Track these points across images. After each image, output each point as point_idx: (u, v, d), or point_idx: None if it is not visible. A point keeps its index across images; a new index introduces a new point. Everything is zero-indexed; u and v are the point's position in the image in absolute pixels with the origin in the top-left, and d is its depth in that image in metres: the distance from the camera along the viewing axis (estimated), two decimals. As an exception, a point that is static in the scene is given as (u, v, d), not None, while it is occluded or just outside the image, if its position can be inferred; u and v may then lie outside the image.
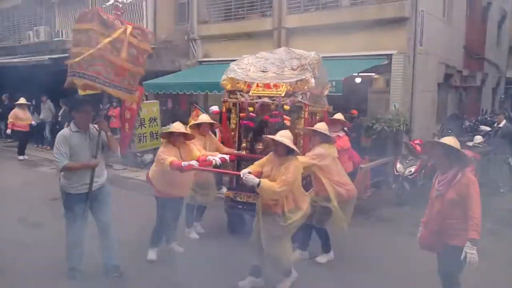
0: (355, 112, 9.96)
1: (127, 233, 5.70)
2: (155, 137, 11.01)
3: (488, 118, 13.28)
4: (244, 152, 5.77)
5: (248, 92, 5.56)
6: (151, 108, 10.89)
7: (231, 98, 5.79)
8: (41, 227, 5.76)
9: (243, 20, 12.09)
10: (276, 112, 5.37)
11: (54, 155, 4.25)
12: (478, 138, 9.53)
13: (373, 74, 11.59)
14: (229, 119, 6.05)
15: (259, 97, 5.48)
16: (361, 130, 9.79)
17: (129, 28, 4.14)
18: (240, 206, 5.79)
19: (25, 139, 12.24)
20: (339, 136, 6.30)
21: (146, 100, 11.03)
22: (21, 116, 11.91)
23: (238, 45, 11.63)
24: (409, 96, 10.21)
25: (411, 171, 7.90)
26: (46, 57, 14.25)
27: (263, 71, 5.82)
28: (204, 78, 11.03)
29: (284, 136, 4.14)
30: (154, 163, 5.09)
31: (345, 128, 6.73)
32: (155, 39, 12.42)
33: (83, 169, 4.30)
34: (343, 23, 10.15)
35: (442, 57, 12.06)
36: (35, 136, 14.48)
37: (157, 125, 11.04)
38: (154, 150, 11.00)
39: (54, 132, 13.85)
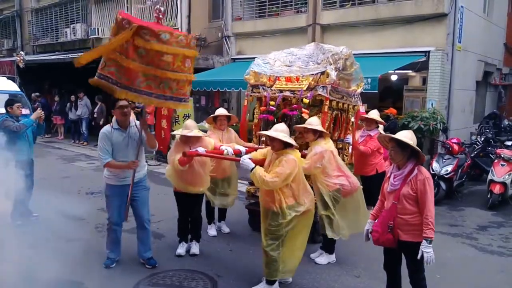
0: (393, 111, 9.79)
1: (161, 227, 5.87)
2: (188, 133, 11.19)
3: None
4: (263, 146, 5.51)
5: (271, 86, 5.53)
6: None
7: (254, 92, 5.74)
8: (77, 219, 5.93)
9: (277, 17, 12.08)
10: (296, 105, 5.30)
11: (98, 152, 4.37)
12: (516, 137, 9.24)
13: (410, 71, 11.38)
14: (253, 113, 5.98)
15: (281, 91, 5.43)
16: (397, 128, 9.62)
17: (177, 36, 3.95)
18: None
19: None
20: (370, 135, 6.19)
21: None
22: None
23: (271, 42, 11.63)
24: (447, 94, 9.96)
25: (447, 170, 7.72)
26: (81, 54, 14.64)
27: (288, 66, 5.72)
28: (237, 75, 11.04)
29: (279, 130, 4.00)
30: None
31: (380, 126, 6.54)
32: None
33: (123, 169, 4.45)
34: (379, 19, 10.02)
35: (481, 55, 11.71)
36: (72, 131, 14.97)
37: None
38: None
39: (90, 128, 14.28)
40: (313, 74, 5.28)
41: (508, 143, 8.99)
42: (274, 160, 4.00)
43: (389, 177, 3.57)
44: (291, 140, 3.99)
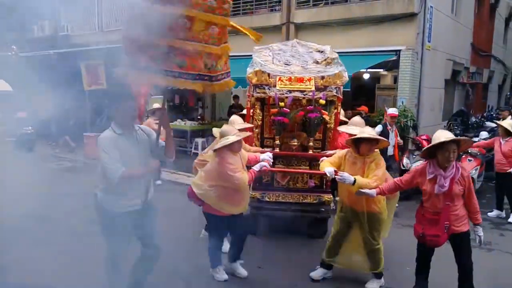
0: (365, 109, 9.95)
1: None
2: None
3: (494, 115, 13.27)
4: (277, 150, 5.36)
5: (274, 86, 5.23)
6: (156, 104, 10.90)
7: (258, 92, 5.30)
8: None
9: (252, 15, 12.05)
10: (311, 106, 5.17)
11: (105, 164, 3.24)
12: (484, 134, 9.54)
13: (381, 70, 11.59)
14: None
15: (289, 91, 5.19)
16: (368, 126, 9.77)
17: None
18: (268, 206, 5.48)
19: None
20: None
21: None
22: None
23: (245, 40, 11.56)
24: (417, 92, 10.19)
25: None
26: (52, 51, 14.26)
27: (287, 64, 5.58)
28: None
29: (366, 132, 4.02)
30: (200, 176, 4.23)
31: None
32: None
33: (139, 177, 3.40)
34: (351, 18, 10.15)
35: (449, 54, 12.03)
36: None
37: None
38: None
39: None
40: (322, 75, 5.27)
41: (475, 139, 9.25)
42: (367, 163, 4.02)
43: (433, 178, 3.58)
44: (383, 138, 4.17)
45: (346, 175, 3.89)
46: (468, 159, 7.75)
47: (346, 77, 5.33)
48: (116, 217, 3.34)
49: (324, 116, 5.25)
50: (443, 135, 3.59)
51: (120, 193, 3.32)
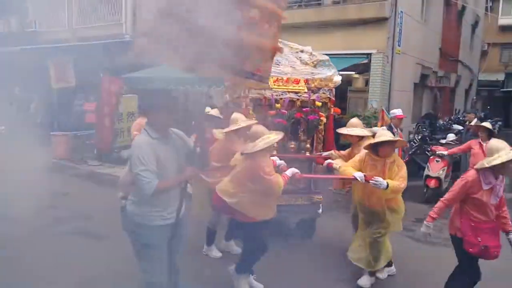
0: (337, 110, 10.06)
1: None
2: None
3: (461, 118, 13.70)
4: (275, 152, 5.00)
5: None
6: (130, 103, 10.71)
7: (254, 93, 5.06)
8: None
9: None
10: (307, 108, 5.17)
11: (140, 175, 2.82)
12: (451, 136, 9.84)
13: (353, 73, 11.77)
14: None
15: (284, 92, 5.13)
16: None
17: None
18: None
19: None
20: None
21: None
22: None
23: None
24: (387, 95, 10.41)
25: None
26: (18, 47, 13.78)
27: (277, 64, 5.40)
28: (185, 72, 10.86)
29: (383, 134, 4.15)
30: (228, 183, 3.88)
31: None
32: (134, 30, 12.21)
33: (173, 186, 3.04)
34: (325, 21, 10.26)
35: (418, 58, 12.34)
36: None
37: (135, 120, 10.85)
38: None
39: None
40: (316, 77, 5.27)
41: (443, 141, 9.52)
42: (389, 164, 4.08)
43: (491, 189, 3.50)
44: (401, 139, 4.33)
45: (381, 180, 3.91)
46: (436, 160, 7.96)
47: (338, 79, 5.38)
48: (153, 231, 2.94)
49: (322, 118, 5.26)
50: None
51: (156, 204, 2.95)
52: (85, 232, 5.54)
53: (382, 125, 7.53)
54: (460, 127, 11.66)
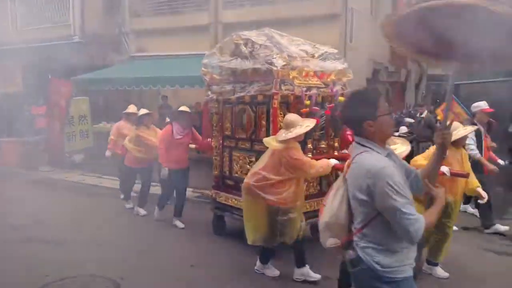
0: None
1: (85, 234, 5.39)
2: (85, 135, 10.46)
3: (412, 111, 14.22)
4: (310, 155, 4.63)
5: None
6: (81, 105, 10.34)
7: (284, 89, 4.54)
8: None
9: (178, 14, 11.84)
10: (332, 104, 4.78)
11: (399, 208, 1.95)
12: (403, 129, 10.21)
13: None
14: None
15: (308, 88, 4.68)
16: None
17: None
18: None
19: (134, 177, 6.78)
20: None
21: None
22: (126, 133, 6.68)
23: (174, 40, 11.37)
24: (342, 91, 10.60)
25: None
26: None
27: (290, 57, 4.86)
28: (139, 73, 10.65)
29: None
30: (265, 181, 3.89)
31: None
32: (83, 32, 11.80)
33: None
34: (279, 18, 10.29)
35: (370, 54, 12.68)
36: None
37: (87, 123, 10.50)
38: (85, 150, 10.45)
39: None
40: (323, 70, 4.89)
41: (396, 133, 9.85)
42: (463, 154, 4.32)
43: None
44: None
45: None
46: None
47: (350, 74, 5.11)
48: (405, 286, 2.13)
49: None
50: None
51: (407, 248, 2.13)
52: (39, 238, 5.29)
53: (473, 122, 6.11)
54: (412, 120, 12.11)
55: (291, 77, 4.56)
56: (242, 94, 4.77)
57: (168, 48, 11.25)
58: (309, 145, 4.74)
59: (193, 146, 5.96)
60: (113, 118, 12.18)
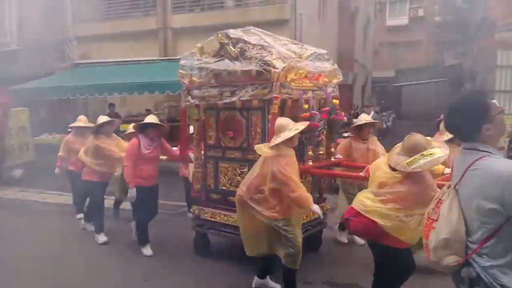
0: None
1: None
2: (25, 149, 9.81)
3: (359, 113, 14.69)
4: (310, 163, 4.35)
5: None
6: (20, 117, 9.68)
7: (282, 92, 4.13)
8: None
9: (125, 19, 11.45)
10: (327, 108, 4.44)
11: None
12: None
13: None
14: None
15: (304, 91, 4.36)
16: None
17: None
18: None
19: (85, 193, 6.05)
20: None
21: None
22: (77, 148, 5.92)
23: (121, 46, 10.98)
24: (294, 95, 10.71)
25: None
26: None
27: (285, 57, 4.48)
28: (83, 81, 10.14)
29: None
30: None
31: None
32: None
33: None
34: (229, 23, 10.23)
35: (319, 58, 12.92)
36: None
37: (27, 135, 9.86)
38: (25, 165, 9.79)
39: None
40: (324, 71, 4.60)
41: (345, 134, 10.07)
42: None
43: None
44: None
45: None
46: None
47: (340, 75, 4.81)
48: None
49: (343, 118, 4.69)
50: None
51: None
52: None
53: None
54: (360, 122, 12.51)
55: (288, 79, 4.18)
56: (233, 98, 4.26)
57: (114, 54, 10.85)
58: (310, 152, 4.39)
59: (164, 157, 5.30)
60: (56, 129, 11.55)
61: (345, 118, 4.92)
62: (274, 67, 3.98)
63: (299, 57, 4.47)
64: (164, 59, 10.83)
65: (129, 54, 10.75)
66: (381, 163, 3.15)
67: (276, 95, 3.99)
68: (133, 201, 4.82)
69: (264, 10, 10.04)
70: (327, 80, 4.67)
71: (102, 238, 5.37)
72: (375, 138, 5.08)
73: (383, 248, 3.09)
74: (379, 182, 3.05)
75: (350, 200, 4.87)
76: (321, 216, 3.85)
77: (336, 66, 4.77)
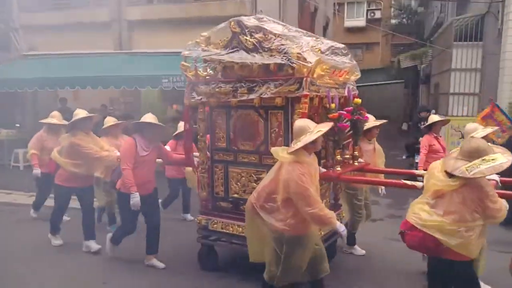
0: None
1: None
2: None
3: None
4: (338, 168, 3.95)
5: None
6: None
7: (311, 90, 3.72)
8: None
9: (75, 9, 10.92)
10: (350, 108, 3.97)
11: None
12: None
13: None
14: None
15: (329, 88, 3.98)
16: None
17: None
18: None
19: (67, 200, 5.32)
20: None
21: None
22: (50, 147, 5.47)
23: (71, 37, 10.44)
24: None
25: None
26: None
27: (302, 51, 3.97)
28: (32, 73, 9.60)
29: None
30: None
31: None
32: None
33: None
34: (188, 18, 10.05)
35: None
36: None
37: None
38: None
39: None
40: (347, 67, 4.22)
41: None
42: None
43: None
44: None
45: None
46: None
47: (359, 72, 4.40)
48: None
49: (367, 118, 4.29)
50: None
51: None
52: None
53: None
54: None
55: (315, 76, 3.73)
56: (252, 96, 3.77)
57: (64, 46, 10.34)
58: (338, 157, 3.95)
59: (159, 160, 4.74)
60: (2, 125, 10.86)
61: (369, 119, 4.54)
62: (305, 60, 3.55)
63: (317, 51, 3.94)
64: (119, 53, 10.45)
65: (81, 47, 10.27)
66: (435, 170, 2.88)
67: (306, 93, 3.58)
68: (138, 208, 4.26)
69: (223, 5, 9.89)
70: (347, 77, 4.30)
71: (57, 240, 5.16)
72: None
73: (445, 262, 2.82)
74: (434, 191, 2.81)
75: (357, 206, 4.75)
76: (344, 235, 3.35)
77: (354, 61, 4.37)
